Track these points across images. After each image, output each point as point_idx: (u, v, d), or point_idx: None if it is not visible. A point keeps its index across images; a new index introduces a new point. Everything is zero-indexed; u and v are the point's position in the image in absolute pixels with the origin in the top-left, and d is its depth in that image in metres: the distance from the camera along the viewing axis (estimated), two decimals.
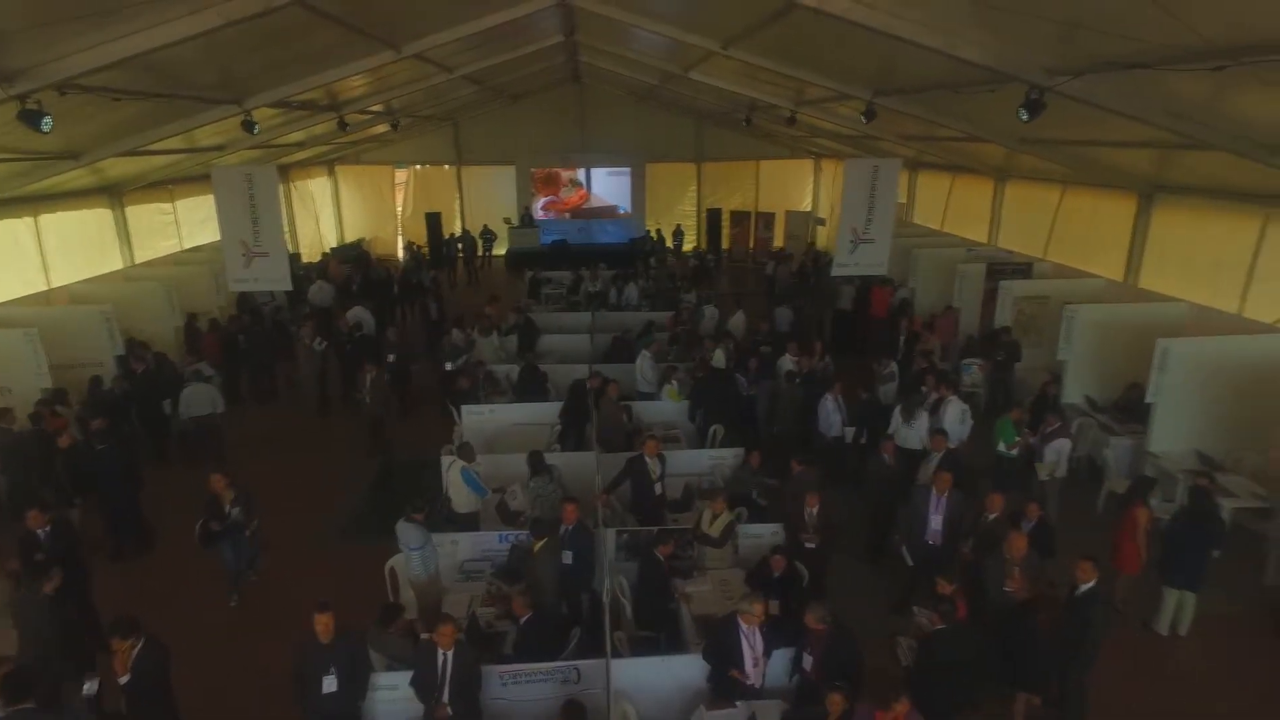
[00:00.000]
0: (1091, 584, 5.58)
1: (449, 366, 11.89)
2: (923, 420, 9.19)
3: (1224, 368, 8.94)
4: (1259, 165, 8.02)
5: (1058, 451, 8.38)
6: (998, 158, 15.29)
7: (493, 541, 7.77)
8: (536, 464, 8.12)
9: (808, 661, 5.59)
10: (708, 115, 23.86)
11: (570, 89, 24.61)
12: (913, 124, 13.69)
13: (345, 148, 23.18)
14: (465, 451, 7.98)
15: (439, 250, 24.04)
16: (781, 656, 5.86)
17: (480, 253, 24.80)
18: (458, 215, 26.31)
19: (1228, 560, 7.42)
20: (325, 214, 25.25)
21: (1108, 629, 5.84)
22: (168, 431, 11.21)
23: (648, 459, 7.97)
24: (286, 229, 20.14)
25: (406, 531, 6.80)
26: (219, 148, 14.92)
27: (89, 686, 5.33)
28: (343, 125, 15.89)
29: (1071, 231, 14.27)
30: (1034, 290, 12.59)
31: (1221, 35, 5.24)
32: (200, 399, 10.71)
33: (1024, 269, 13.71)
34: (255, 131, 12.11)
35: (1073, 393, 10.61)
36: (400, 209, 26.44)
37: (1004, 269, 13.58)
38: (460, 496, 7.96)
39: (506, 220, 25.46)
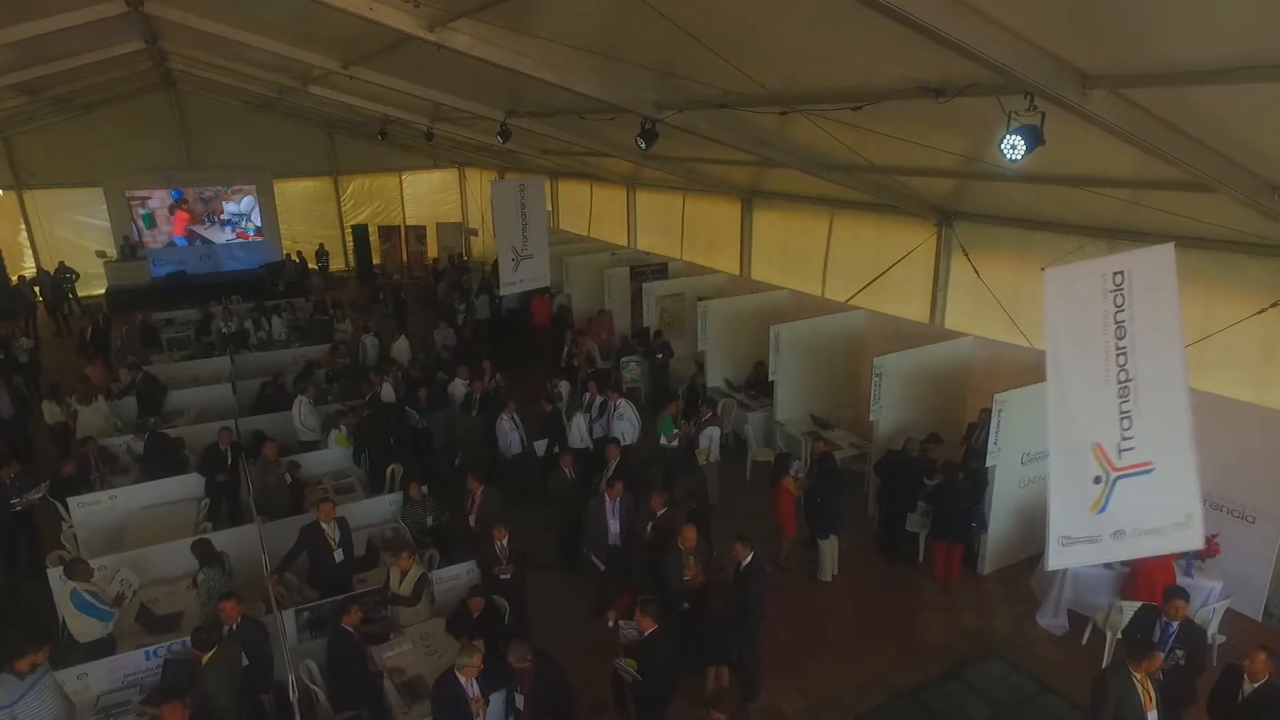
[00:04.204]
0: (749, 559, 6.42)
1: (16, 504, 8.57)
2: (578, 420, 9.85)
3: (818, 342, 10.89)
4: (820, 178, 9.92)
5: (710, 438, 9.47)
6: (627, 169, 16.70)
7: (138, 662, 6.45)
8: (205, 554, 6.98)
9: (520, 700, 5.63)
10: (340, 126, 22.37)
11: (163, 97, 21.22)
12: (549, 140, 14.31)
13: None
14: (75, 570, 6.48)
15: (9, 298, 19.18)
16: (497, 699, 5.81)
17: (69, 297, 20.34)
18: (28, 251, 21.27)
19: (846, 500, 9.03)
20: None
21: (770, 590, 6.78)
22: None
23: (323, 524, 7.29)
24: None
25: None
26: None
27: None
28: None
29: (697, 232, 16.17)
30: (672, 289, 14.09)
31: (780, 88, 6.33)
32: None
33: (661, 269, 15.24)
34: None
35: (714, 377, 12.06)
36: None
37: (644, 270, 14.94)
38: (79, 624, 6.48)
39: (100, 253, 21.26)
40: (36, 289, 19.71)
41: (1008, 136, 5.01)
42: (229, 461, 9.21)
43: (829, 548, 8.37)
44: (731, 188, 13.83)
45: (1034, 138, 4.97)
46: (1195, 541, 5.10)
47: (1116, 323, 4.65)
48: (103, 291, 20.78)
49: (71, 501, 8.58)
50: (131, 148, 21.27)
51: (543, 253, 12.20)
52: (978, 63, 4.36)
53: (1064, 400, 4.66)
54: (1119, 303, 4.62)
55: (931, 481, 8.39)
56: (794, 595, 8.12)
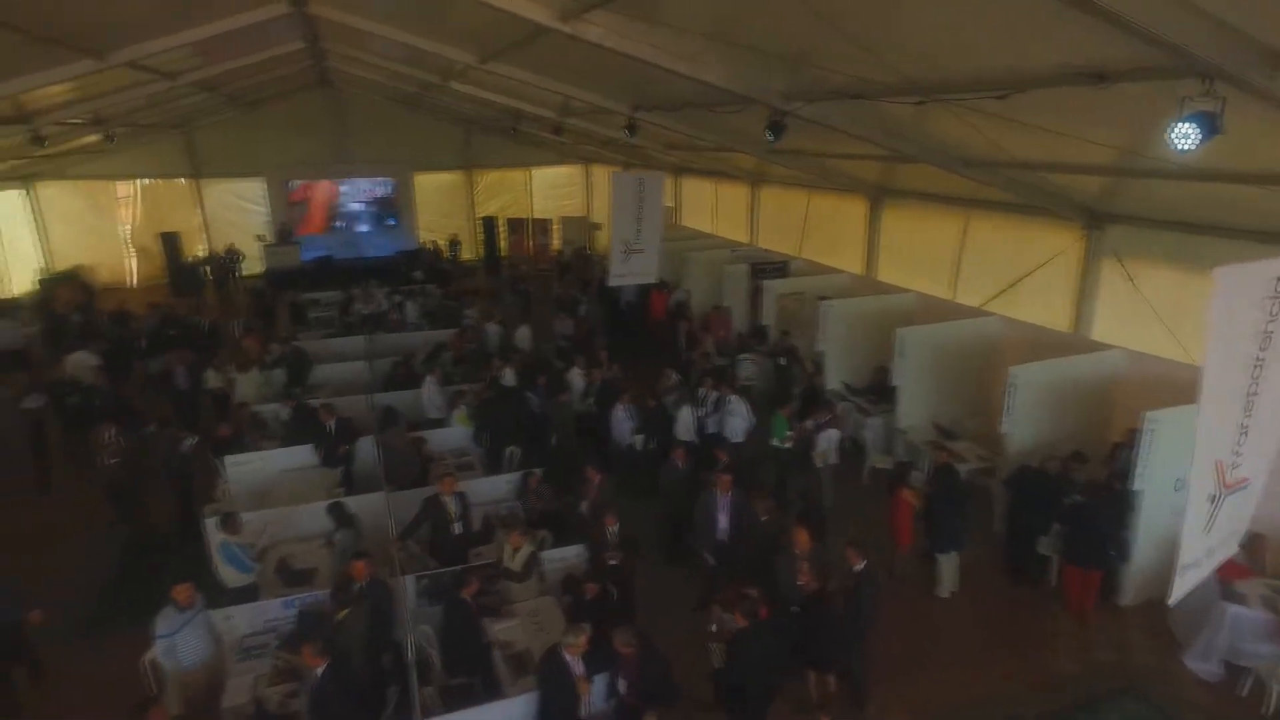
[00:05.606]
0: (861, 566, 6.19)
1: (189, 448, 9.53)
2: (685, 413, 9.84)
3: (947, 348, 10.36)
4: (956, 175, 9.42)
5: (829, 440, 9.22)
6: (751, 165, 16.50)
7: (276, 609, 7.00)
8: (340, 516, 7.49)
9: (622, 685, 5.67)
10: (475, 122, 23.39)
11: (319, 94, 22.86)
12: (674, 135, 14.36)
13: (43, 161, 19.66)
14: (228, 523, 7.11)
15: (185, 276, 21.34)
16: (600, 680, 5.88)
17: (236, 276, 22.41)
18: (202, 234, 23.51)
19: (970, 515, 8.55)
20: (19, 238, 21.12)
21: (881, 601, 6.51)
22: None
23: (444, 497, 7.64)
24: None
25: (160, 617, 5.98)
26: None
27: None
28: (39, 139, 13.54)
29: (819, 231, 15.77)
30: (792, 287, 13.79)
31: (919, 75, 6.04)
32: None
33: (781, 267, 14.96)
34: None
35: (832, 379, 11.73)
36: (127, 230, 23.00)
37: (764, 268, 14.72)
38: (227, 571, 7.11)
39: (259, 238, 23.23)
40: (206, 269, 21.81)
41: (1178, 125, 4.54)
42: (332, 436, 9.64)
43: (948, 563, 7.96)
44: (859, 184, 13.38)
45: (1210, 126, 4.49)
46: (1234, 547, 5.26)
47: (1265, 332, 4.19)
48: (262, 272, 22.73)
49: (227, 460, 9.41)
50: (289, 141, 23.08)
51: (654, 248, 12.18)
52: (1148, 42, 3.98)
53: (1206, 416, 4.18)
54: (1273, 311, 4.14)
55: (1069, 501, 7.78)
56: (909, 608, 7.78)
